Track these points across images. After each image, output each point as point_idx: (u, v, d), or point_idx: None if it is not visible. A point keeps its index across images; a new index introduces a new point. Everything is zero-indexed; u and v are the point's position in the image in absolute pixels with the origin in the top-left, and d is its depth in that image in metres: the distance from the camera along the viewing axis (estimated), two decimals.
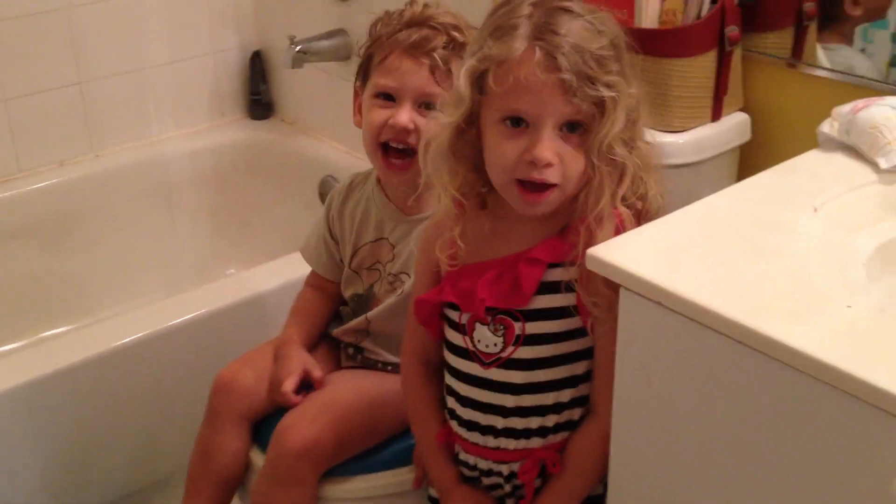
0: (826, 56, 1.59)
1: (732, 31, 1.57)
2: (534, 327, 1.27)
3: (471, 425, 1.34)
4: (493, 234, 1.29)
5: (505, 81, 1.17)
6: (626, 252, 1.08)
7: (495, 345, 1.29)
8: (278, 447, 1.52)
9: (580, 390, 1.30)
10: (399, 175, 1.57)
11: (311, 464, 1.52)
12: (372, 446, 1.60)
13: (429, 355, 1.41)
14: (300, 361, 1.63)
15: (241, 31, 2.77)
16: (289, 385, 1.59)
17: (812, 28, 1.60)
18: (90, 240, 2.56)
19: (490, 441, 1.33)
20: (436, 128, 1.28)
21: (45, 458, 1.88)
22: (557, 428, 1.31)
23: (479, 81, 1.21)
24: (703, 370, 1.02)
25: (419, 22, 1.55)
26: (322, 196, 2.54)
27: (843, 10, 1.56)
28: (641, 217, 1.24)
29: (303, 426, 1.52)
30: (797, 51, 1.61)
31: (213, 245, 2.77)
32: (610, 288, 1.13)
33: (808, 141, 1.32)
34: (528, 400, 1.30)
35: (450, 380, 1.37)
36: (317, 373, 1.62)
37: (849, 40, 1.58)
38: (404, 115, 1.54)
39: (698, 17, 1.56)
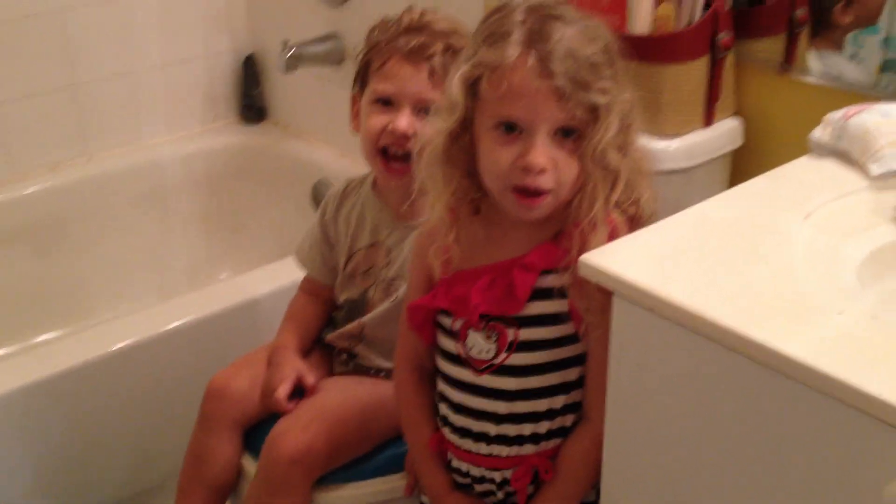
0: (817, 62, 1.60)
1: (724, 37, 1.57)
2: (527, 333, 1.27)
3: (463, 432, 1.34)
4: (487, 240, 1.30)
5: (499, 88, 1.17)
6: (618, 258, 1.08)
7: (488, 351, 1.29)
8: (271, 454, 1.52)
9: (573, 396, 1.30)
10: (399, 179, 1.57)
11: (303, 471, 1.51)
12: (365, 453, 1.60)
13: (421, 361, 1.41)
14: (293, 368, 1.63)
15: (234, 35, 2.76)
16: (282, 392, 1.59)
17: (804, 35, 1.60)
18: (83, 244, 2.56)
19: (483, 448, 1.33)
20: (429, 133, 1.28)
21: (39, 463, 1.88)
22: (550, 434, 1.31)
23: (472, 87, 1.21)
24: (695, 377, 1.02)
25: (417, 28, 1.56)
26: (315, 200, 2.54)
27: (833, 17, 1.57)
28: (634, 222, 1.25)
29: (295, 433, 1.52)
30: (789, 57, 1.62)
31: (206, 249, 2.77)
32: (603, 294, 1.13)
33: (800, 147, 1.32)
34: (520, 406, 1.30)
35: (442, 386, 1.37)
36: (310, 379, 1.61)
37: (840, 47, 1.58)
38: (403, 121, 1.54)
39: (690, 23, 1.56)
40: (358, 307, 1.69)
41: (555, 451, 1.32)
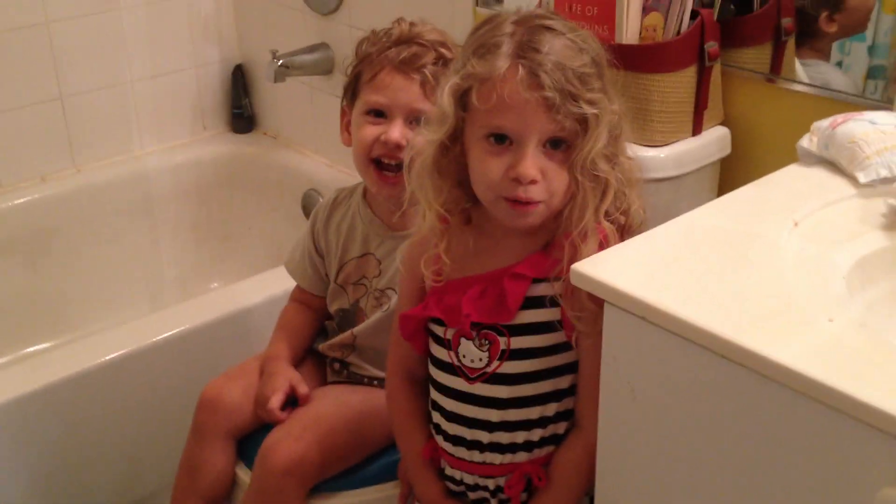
0: (804, 71, 1.60)
1: (712, 46, 1.58)
2: (519, 342, 1.28)
3: (456, 440, 1.34)
4: (478, 250, 1.30)
5: (488, 99, 1.18)
6: (609, 267, 1.09)
7: (480, 360, 1.30)
8: (264, 464, 1.53)
9: (565, 404, 1.31)
10: (392, 188, 1.58)
11: (297, 481, 1.52)
12: (358, 462, 1.60)
13: (413, 370, 1.42)
14: (286, 378, 1.63)
15: (223, 46, 2.77)
16: (275, 402, 1.59)
17: (790, 44, 1.61)
18: (73, 255, 2.56)
19: (476, 456, 1.33)
20: (420, 144, 1.28)
21: (32, 474, 1.88)
22: (543, 442, 1.32)
23: (462, 99, 1.22)
24: (687, 384, 1.02)
25: (408, 39, 1.57)
26: (305, 209, 2.54)
27: (819, 26, 1.58)
28: (624, 231, 1.25)
29: (288, 443, 1.52)
30: (776, 66, 1.63)
31: (196, 260, 2.77)
32: (594, 302, 1.14)
33: (788, 155, 1.33)
34: (513, 414, 1.30)
35: (435, 395, 1.37)
36: (303, 389, 1.62)
37: (826, 55, 1.59)
38: (396, 131, 1.55)
39: (678, 32, 1.57)
40: (349, 317, 1.69)
41: (548, 459, 1.33)
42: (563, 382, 1.30)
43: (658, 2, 1.55)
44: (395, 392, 1.45)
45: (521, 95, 1.16)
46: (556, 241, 1.25)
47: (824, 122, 1.30)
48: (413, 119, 1.55)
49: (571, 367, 1.29)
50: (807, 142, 1.30)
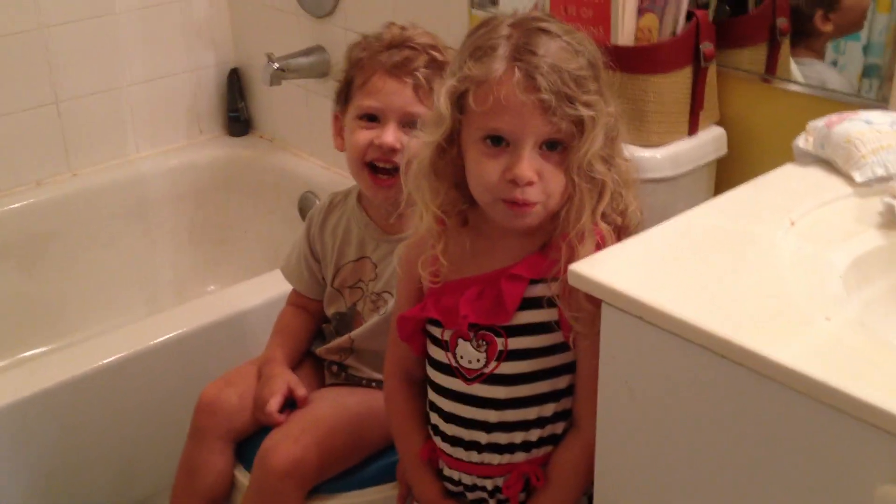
0: (800, 70, 1.61)
1: (707, 47, 1.58)
2: (516, 343, 1.28)
3: (454, 441, 1.35)
4: (475, 251, 1.30)
5: (485, 101, 1.18)
6: (607, 267, 1.09)
7: (478, 360, 1.30)
8: (263, 467, 1.53)
9: (563, 404, 1.31)
10: (387, 191, 1.58)
11: (295, 483, 1.52)
12: (357, 463, 1.60)
13: (411, 371, 1.42)
14: (284, 380, 1.63)
15: (218, 49, 2.77)
16: (273, 404, 1.59)
17: (785, 43, 1.61)
18: (69, 260, 2.56)
19: (474, 456, 1.34)
20: (417, 147, 1.29)
21: (29, 480, 1.88)
22: (541, 442, 1.32)
23: (459, 101, 1.22)
24: (685, 384, 1.03)
25: (399, 43, 1.57)
26: (302, 212, 2.54)
27: (814, 25, 1.58)
28: (621, 232, 1.26)
29: (287, 445, 1.53)
30: (771, 66, 1.63)
31: (193, 263, 2.77)
32: (591, 303, 1.14)
33: (784, 155, 1.33)
34: (511, 415, 1.30)
35: (433, 396, 1.37)
36: (301, 391, 1.62)
37: (821, 54, 1.59)
38: (390, 135, 1.55)
39: (673, 33, 1.57)
40: (346, 320, 1.69)
41: (546, 459, 1.33)
42: (560, 383, 1.30)
43: (653, 3, 1.56)
44: (393, 393, 1.45)
45: (518, 98, 1.17)
46: (553, 242, 1.25)
47: (820, 122, 1.30)
48: (406, 122, 1.55)
49: (569, 368, 1.30)
50: (802, 141, 1.31)
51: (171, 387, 1.98)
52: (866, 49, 1.54)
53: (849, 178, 1.23)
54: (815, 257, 1.08)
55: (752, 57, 1.65)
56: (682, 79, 1.59)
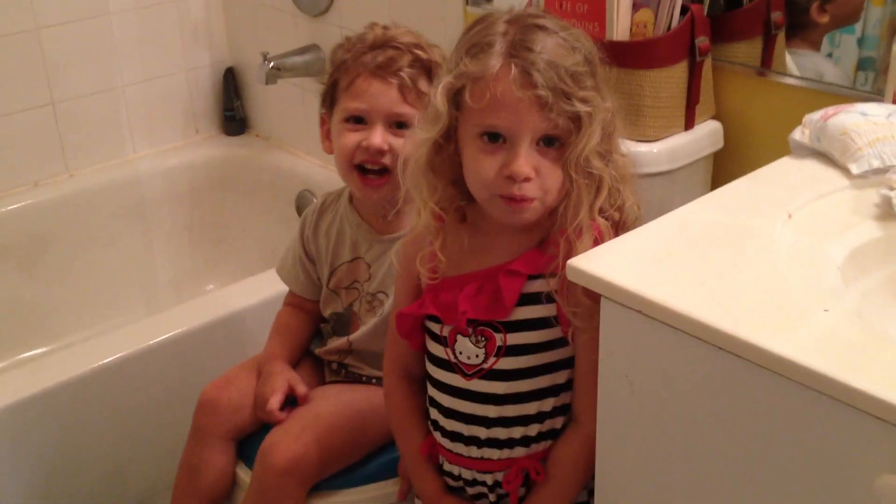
0: (795, 63, 1.61)
1: (702, 41, 1.59)
2: (515, 338, 1.28)
3: (454, 436, 1.35)
4: (473, 247, 1.30)
5: (482, 98, 1.18)
6: (605, 262, 1.09)
7: (477, 356, 1.30)
8: (264, 464, 1.53)
9: (562, 399, 1.32)
10: (377, 192, 1.58)
11: (297, 480, 1.52)
12: (358, 460, 1.60)
13: (410, 367, 1.42)
14: (284, 378, 1.63)
15: (214, 49, 2.77)
16: (274, 402, 1.59)
17: (780, 37, 1.62)
18: (66, 260, 2.56)
19: (474, 451, 1.34)
20: (414, 144, 1.29)
21: (29, 480, 1.88)
22: (540, 437, 1.32)
23: (455, 98, 1.22)
24: (684, 377, 1.03)
25: (383, 44, 1.57)
26: (299, 210, 2.54)
27: (810, 17, 1.59)
28: (619, 228, 1.26)
29: (288, 443, 1.53)
30: (766, 59, 1.63)
31: (190, 262, 2.77)
32: (590, 298, 1.15)
33: (780, 148, 1.33)
34: (510, 410, 1.31)
35: (432, 391, 1.37)
36: (301, 389, 1.62)
37: (817, 47, 1.60)
38: (377, 137, 1.55)
39: (668, 28, 1.58)
40: (344, 321, 1.69)
41: (545, 454, 1.33)
42: (559, 378, 1.30)
43: None
44: (393, 389, 1.45)
45: (514, 94, 1.17)
46: (551, 237, 1.26)
47: (816, 115, 1.30)
48: (393, 123, 1.55)
49: (568, 363, 1.30)
50: (799, 134, 1.31)
51: (170, 386, 1.98)
52: (861, 42, 1.54)
53: (845, 171, 1.23)
54: (813, 250, 1.09)
55: (747, 51, 1.66)
56: (677, 73, 1.59)
